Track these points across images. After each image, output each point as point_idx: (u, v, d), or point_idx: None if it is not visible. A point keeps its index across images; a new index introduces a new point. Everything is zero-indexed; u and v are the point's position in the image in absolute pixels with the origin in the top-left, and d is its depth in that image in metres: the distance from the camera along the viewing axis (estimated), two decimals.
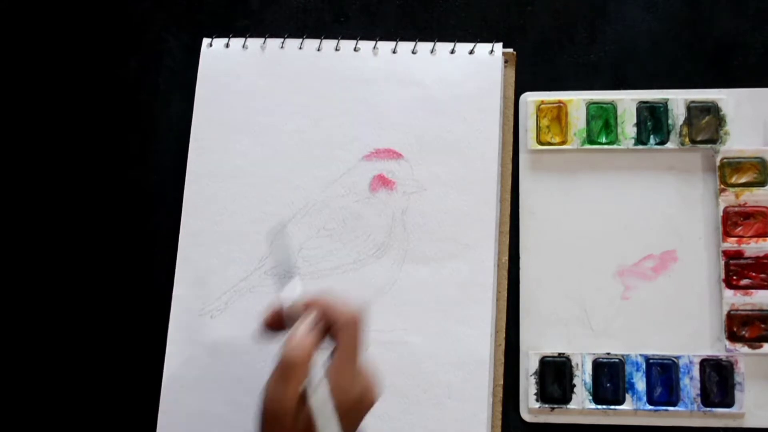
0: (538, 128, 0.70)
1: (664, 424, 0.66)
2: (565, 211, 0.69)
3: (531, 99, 0.70)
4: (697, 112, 0.68)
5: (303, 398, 0.51)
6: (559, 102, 0.70)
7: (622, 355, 0.66)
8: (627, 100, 0.69)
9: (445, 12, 0.73)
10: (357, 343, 0.53)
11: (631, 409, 0.65)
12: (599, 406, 0.66)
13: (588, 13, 0.72)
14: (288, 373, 0.50)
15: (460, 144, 0.69)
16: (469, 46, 0.71)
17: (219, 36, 0.73)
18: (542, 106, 0.70)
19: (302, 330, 0.52)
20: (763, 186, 0.67)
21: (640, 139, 0.69)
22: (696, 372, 0.66)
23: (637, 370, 0.66)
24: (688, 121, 0.68)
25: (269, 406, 0.51)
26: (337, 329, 0.53)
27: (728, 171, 0.67)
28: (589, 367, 0.66)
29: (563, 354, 0.67)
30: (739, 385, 0.65)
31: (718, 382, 0.65)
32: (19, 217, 0.73)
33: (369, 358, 0.54)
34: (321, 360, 0.52)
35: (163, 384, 0.68)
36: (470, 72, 0.70)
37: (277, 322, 0.55)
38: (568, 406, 0.66)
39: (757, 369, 0.65)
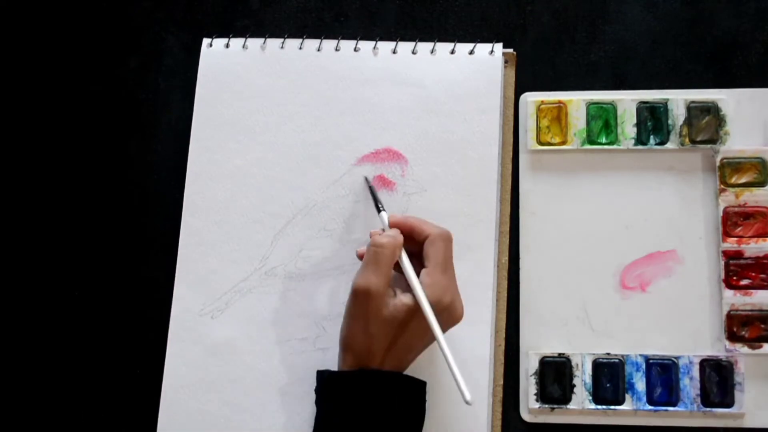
0: (538, 128, 0.69)
1: (664, 424, 0.66)
2: (565, 211, 0.69)
3: (531, 99, 0.70)
4: (697, 112, 0.68)
5: (394, 290, 0.60)
6: (559, 102, 0.70)
7: (622, 356, 0.66)
8: (627, 100, 0.69)
9: (445, 12, 0.73)
10: (446, 255, 0.61)
11: (630, 409, 0.66)
12: (599, 407, 0.66)
13: (588, 13, 0.72)
14: (377, 257, 0.59)
15: (460, 144, 0.69)
16: (469, 46, 0.71)
17: (219, 36, 0.73)
18: (542, 106, 0.70)
19: (388, 230, 0.62)
20: (763, 186, 0.67)
21: (640, 140, 0.68)
22: (696, 372, 0.66)
23: (637, 370, 0.66)
24: (688, 121, 0.68)
25: (360, 287, 0.59)
26: (429, 243, 0.61)
27: (728, 171, 0.67)
28: (589, 368, 0.66)
29: (563, 354, 0.67)
30: (738, 385, 0.65)
31: (718, 382, 0.65)
32: (19, 217, 0.73)
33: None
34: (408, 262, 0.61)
35: (163, 384, 0.68)
36: (470, 72, 0.70)
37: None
38: (568, 407, 0.66)
39: (757, 369, 0.66)
